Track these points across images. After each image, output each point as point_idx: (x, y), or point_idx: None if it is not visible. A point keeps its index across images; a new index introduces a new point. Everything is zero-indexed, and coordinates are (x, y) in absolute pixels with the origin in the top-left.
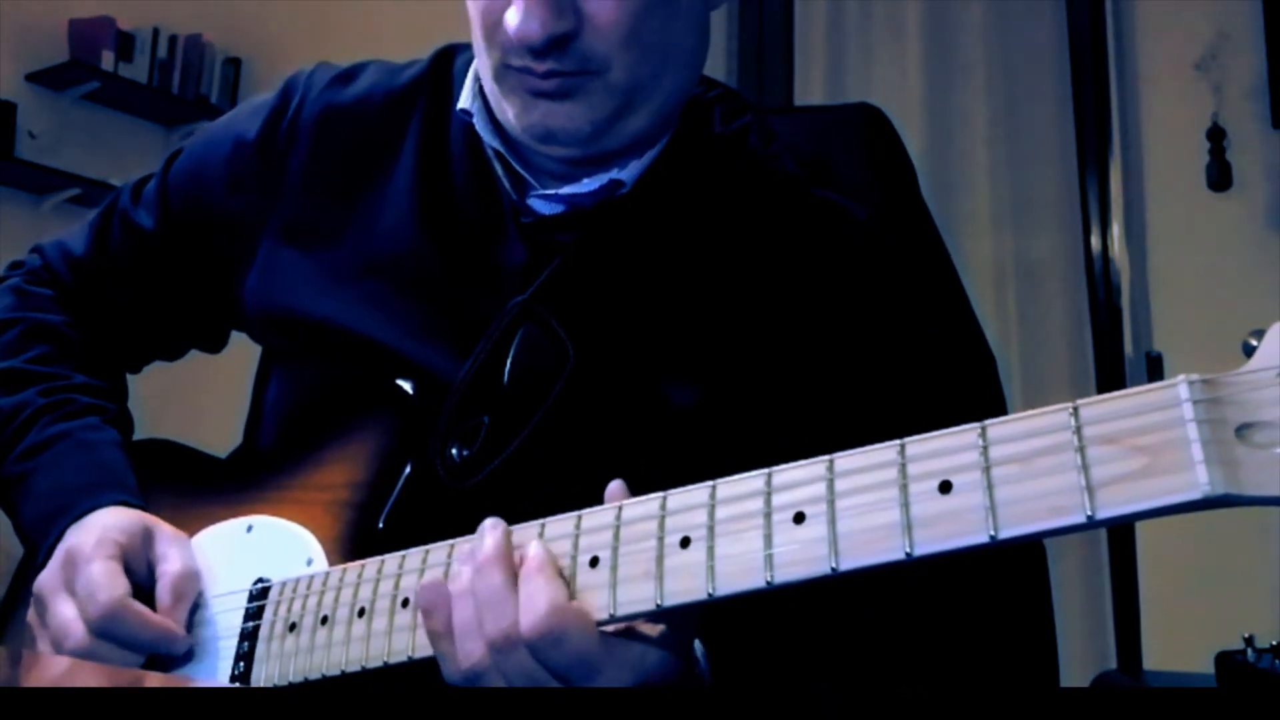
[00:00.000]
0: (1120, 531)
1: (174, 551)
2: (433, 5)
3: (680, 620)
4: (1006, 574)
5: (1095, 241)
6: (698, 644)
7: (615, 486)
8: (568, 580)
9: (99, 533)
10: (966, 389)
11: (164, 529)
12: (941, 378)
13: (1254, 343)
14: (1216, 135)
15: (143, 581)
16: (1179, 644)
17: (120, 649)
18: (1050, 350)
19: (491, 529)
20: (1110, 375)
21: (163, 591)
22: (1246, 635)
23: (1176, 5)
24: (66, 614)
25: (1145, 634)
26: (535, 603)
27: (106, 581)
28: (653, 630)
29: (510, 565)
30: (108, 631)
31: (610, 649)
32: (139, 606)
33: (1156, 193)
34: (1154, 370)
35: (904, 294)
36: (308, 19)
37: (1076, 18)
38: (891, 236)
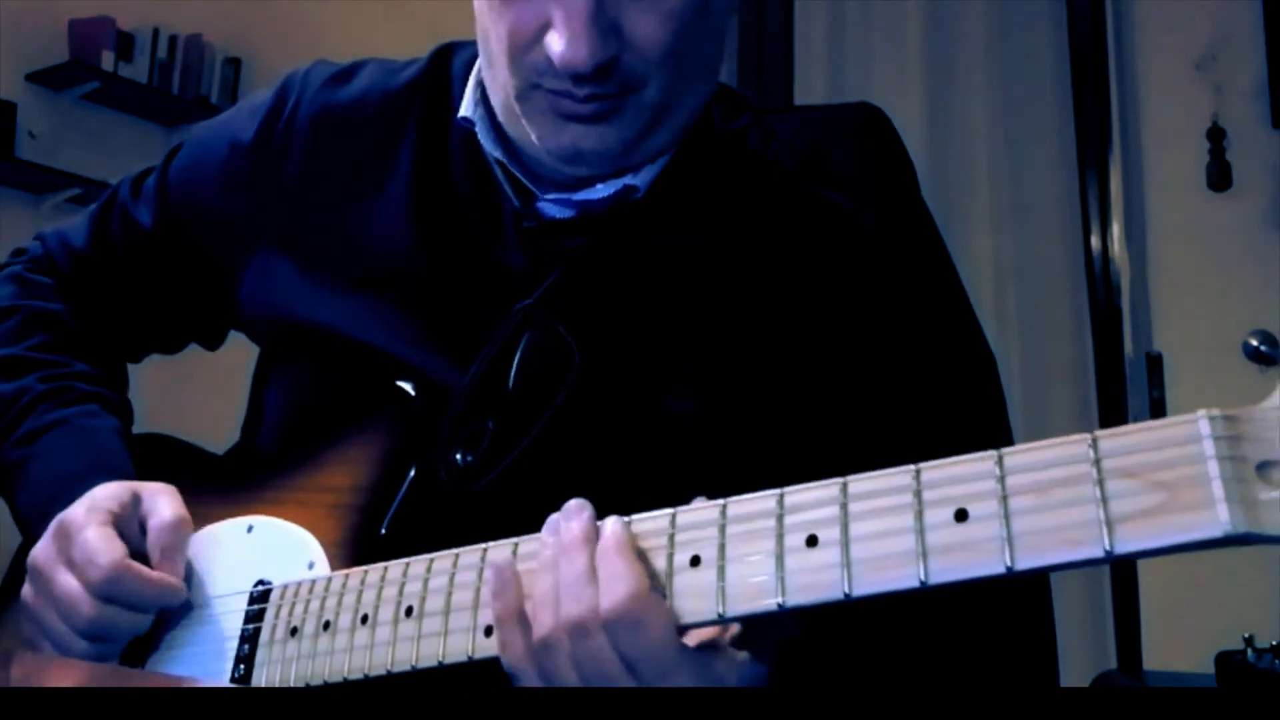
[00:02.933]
0: None
1: (161, 502)
2: (433, 5)
3: (757, 637)
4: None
5: (1095, 241)
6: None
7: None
8: (650, 566)
9: (88, 502)
10: (968, 393)
11: (150, 486)
12: (944, 383)
13: (1254, 343)
14: (1216, 135)
15: (137, 546)
16: (1179, 644)
17: (127, 611)
18: (1050, 350)
19: (579, 511)
20: (1110, 375)
21: (153, 547)
22: (1246, 635)
23: (1176, 5)
24: (69, 584)
25: (1145, 634)
26: (615, 586)
27: (104, 546)
28: (736, 650)
29: (594, 551)
30: (112, 595)
31: (688, 655)
32: (138, 566)
33: (1156, 193)
34: (1154, 370)
35: (908, 301)
36: (308, 19)
37: (1076, 18)
38: (895, 241)
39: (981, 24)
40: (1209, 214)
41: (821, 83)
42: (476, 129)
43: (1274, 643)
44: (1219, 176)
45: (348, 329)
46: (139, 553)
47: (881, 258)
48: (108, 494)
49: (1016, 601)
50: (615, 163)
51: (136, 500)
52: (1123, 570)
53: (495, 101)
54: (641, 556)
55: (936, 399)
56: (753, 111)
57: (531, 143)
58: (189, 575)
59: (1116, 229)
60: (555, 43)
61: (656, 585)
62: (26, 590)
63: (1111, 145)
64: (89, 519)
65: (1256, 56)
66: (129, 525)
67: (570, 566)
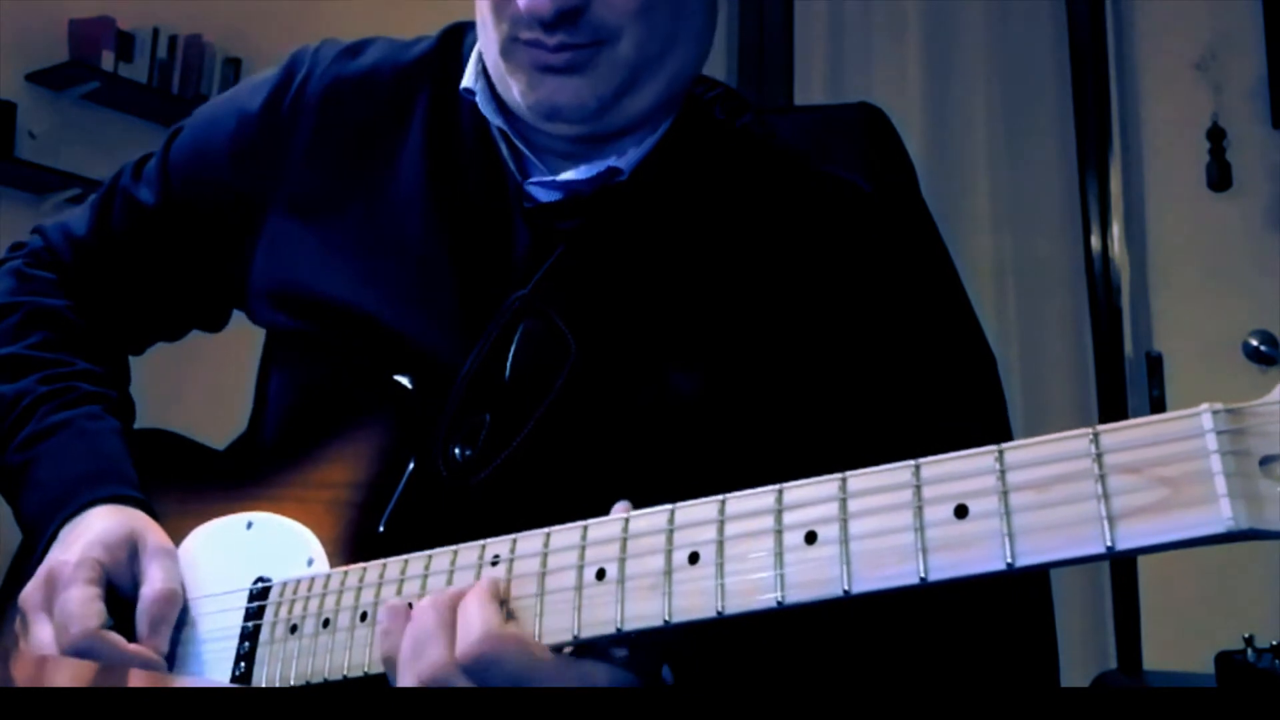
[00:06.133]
0: None
1: (155, 569)
2: (435, 5)
3: (641, 644)
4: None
5: (1095, 241)
6: (666, 670)
7: (620, 507)
8: (508, 605)
9: (81, 550)
10: (967, 387)
11: (150, 540)
12: (942, 379)
13: (1254, 343)
14: (1216, 135)
15: (127, 594)
16: (1179, 644)
17: None
18: (1050, 350)
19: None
20: (1110, 375)
21: (141, 619)
22: (1246, 635)
23: (1176, 5)
24: (43, 637)
25: (1145, 634)
26: (468, 630)
27: (80, 611)
28: (616, 655)
29: (446, 609)
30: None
31: (554, 663)
32: (113, 638)
33: (1156, 193)
34: (1154, 370)
35: (907, 281)
36: (308, 19)
37: (1076, 18)
38: (897, 213)
39: (981, 24)
40: (1209, 214)
41: (821, 83)
42: (477, 99)
43: (1274, 643)
44: (1219, 176)
45: (353, 300)
46: (127, 601)
47: (886, 235)
48: (103, 538)
49: (1017, 602)
50: (593, 121)
51: (133, 551)
52: (1123, 570)
53: (489, 63)
54: (502, 602)
55: (935, 394)
56: (753, 111)
57: (517, 101)
58: (187, 572)
59: (1116, 229)
60: None
61: (514, 620)
62: (17, 624)
63: (1111, 145)
64: (76, 574)
65: (1256, 56)
66: (121, 574)
67: (420, 625)
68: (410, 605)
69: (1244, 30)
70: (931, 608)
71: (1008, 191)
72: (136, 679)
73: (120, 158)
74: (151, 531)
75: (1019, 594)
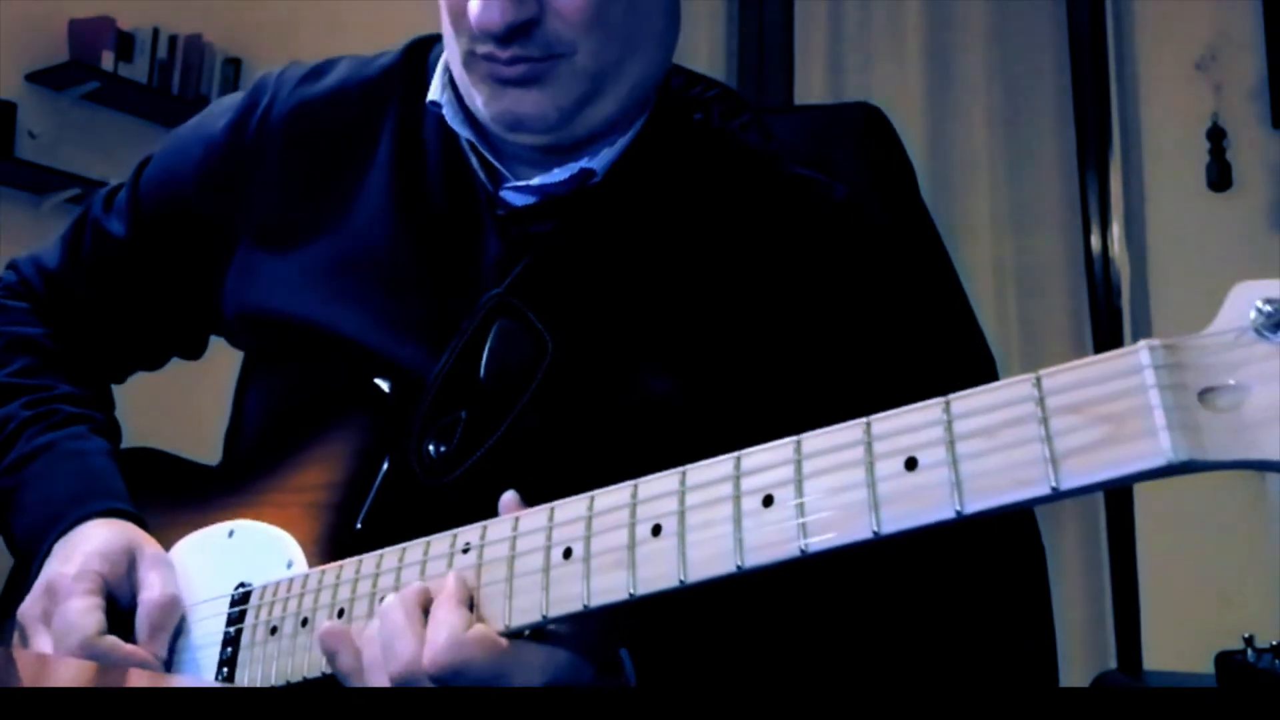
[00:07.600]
0: (1120, 530)
1: (154, 577)
2: (432, 6)
3: (595, 624)
4: (1006, 572)
5: (1095, 241)
6: (624, 653)
7: (508, 498)
8: (478, 592)
9: (80, 562)
10: (962, 383)
11: (147, 550)
12: (930, 366)
13: None
14: (1216, 135)
15: (126, 605)
16: (1179, 644)
17: None
18: (1050, 350)
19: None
20: None
21: (141, 624)
22: (1246, 635)
23: (1176, 5)
24: (43, 650)
25: (1145, 634)
26: (436, 637)
27: (79, 620)
28: (562, 631)
29: (413, 606)
30: None
31: (517, 655)
32: (114, 643)
33: (1156, 193)
34: None
35: (884, 276)
36: (308, 19)
37: (1076, 18)
38: (872, 216)
39: (981, 24)
40: (1209, 214)
41: (821, 83)
42: (444, 111)
43: (1274, 643)
44: (1219, 176)
45: (325, 321)
46: (127, 612)
47: (859, 237)
48: (101, 550)
49: (1017, 602)
50: (557, 131)
51: (131, 562)
52: (1123, 570)
53: (455, 75)
54: (472, 600)
55: (927, 381)
56: (752, 111)
57: (481, 112)
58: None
59: (1116, 229)
60: (473, 4)
61: (483, 608)
62: (15, 639)
63: (1111, 145)
64: (75, 586)
65: (1256, 56)
66: (119, 585)
67: (389, 622)
68: (340, 613)
69: (1244, 30)
70: (932, 608)
71: (1008, 191)
72: (134, 679)
73: (120, 158)
74: (148, 543)
75: (1019, 594)
